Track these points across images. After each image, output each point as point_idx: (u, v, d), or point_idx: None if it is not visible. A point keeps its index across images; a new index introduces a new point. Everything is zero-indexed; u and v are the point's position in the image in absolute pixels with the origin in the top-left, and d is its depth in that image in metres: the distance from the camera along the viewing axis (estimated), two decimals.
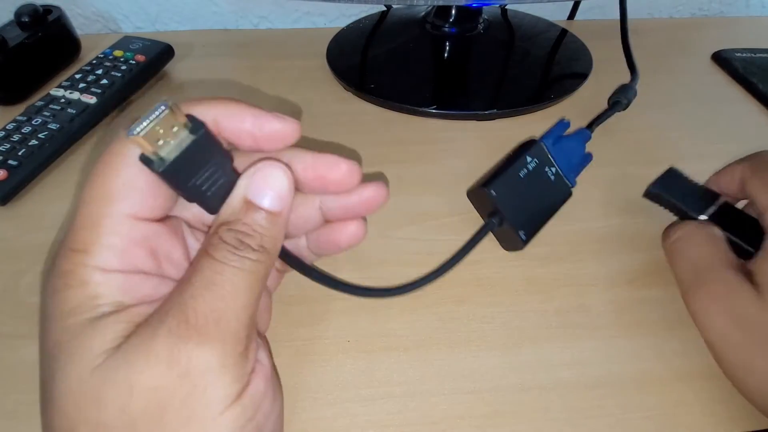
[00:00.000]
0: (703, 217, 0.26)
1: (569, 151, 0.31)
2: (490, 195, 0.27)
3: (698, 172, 0.34)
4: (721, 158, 0.35)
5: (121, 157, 0.16)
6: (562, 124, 0.32)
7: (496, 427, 0.22)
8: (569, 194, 0.30)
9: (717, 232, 0.25)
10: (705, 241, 0.24)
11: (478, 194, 0.29)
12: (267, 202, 0.17)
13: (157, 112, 0.15)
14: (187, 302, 0.15)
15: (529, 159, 0.28)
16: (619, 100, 0.38)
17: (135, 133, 0.15)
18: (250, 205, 0.17)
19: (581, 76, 0.42)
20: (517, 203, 0.27)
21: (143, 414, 0.14)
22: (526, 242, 0.27)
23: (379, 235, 0.30)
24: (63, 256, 0.16)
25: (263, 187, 0.17)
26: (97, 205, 0.16)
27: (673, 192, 0.27)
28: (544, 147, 0.29)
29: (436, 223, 0.31)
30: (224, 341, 0.15)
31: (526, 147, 0.29)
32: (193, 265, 0.16)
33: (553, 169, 0.29)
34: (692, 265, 0.24)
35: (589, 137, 0.33)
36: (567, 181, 0.30)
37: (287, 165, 0.18)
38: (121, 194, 0.16)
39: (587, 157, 0.32)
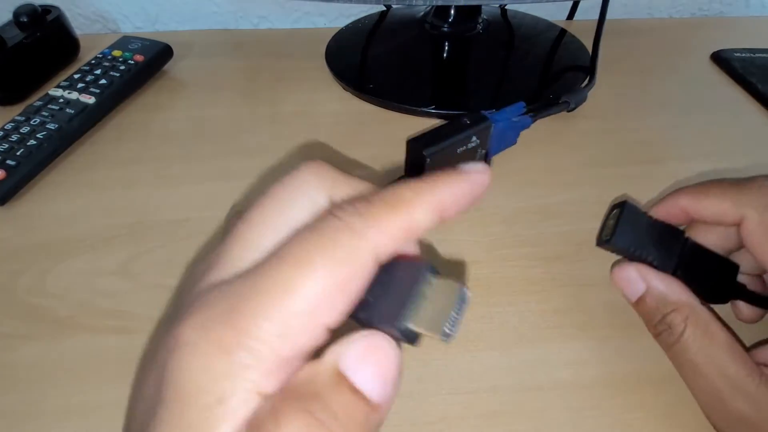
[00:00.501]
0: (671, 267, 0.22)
1: (505, 135, 0.32)
2: (426, 161, 0.28)
3: (698, 171, 0.34)
4: (721, 158, 0.35)
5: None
6: (519, 106, 0.32)
7: (495, 427, 0.22)
8: None
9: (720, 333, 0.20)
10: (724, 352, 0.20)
11: (415, 148, 0.29)
12: (371, 389, 0.12)
13: (463, 305, 0.13)
14: None
15: (473, 139, 0.30)
16: (568, 101, 0.38)
17: (453, 334, 0.13)
18: (341, 378, 0.12)
19: (580, 76, 0.42)
20: (438, 166, 0.29)
21: None
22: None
23: None
24: (207, 342, 0.12)
25: (363, 361, 0.12)
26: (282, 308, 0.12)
27: (638, 241, 0.21)
28: (491, 131, 0.30)
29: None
30: None
31: (475, 122, 0.30)
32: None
33: (483, 152, 0.31)
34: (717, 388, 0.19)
35: (528, 126, 0.33)
36: (486, 162, 0.31)
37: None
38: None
39: (512, 143, 0.33)
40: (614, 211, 0.22)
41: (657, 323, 0.21)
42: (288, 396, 0.12)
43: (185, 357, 0.12)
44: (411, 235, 0.14)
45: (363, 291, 0.13)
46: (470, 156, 0.31)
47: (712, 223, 0.22)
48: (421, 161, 0.28)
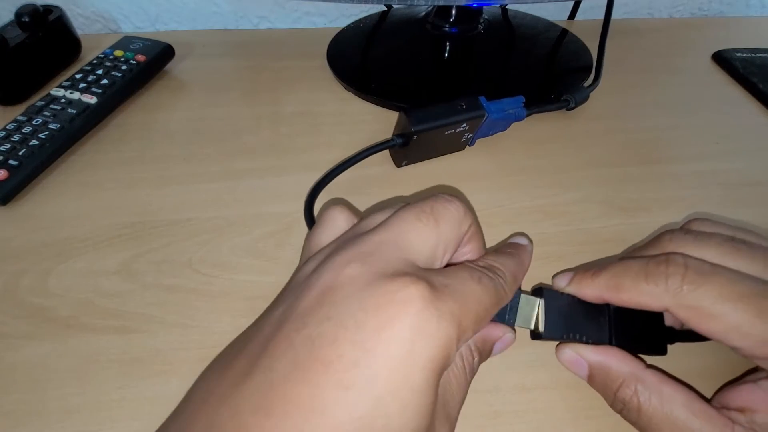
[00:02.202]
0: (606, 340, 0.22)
1: (496, 123, 0.32)
2: (413, 137, 0.29)
3: (698, 172, 0.34)
4: (722, 158, 0.35)
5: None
6: (518, 99, 0.32)
7: (497, 427, 0.22)
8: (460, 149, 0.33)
9: None
10: None
11: (406, 121, 0.30)
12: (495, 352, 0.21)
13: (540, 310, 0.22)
14: None
15: (463, 125, 0.31)
16: (568, 99, 0.38)
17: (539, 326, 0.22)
18: (492, 345, 0.21)
19: (584, 76, 0.42)
20: (423, 147, 0.30)
21: None
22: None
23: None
24: (438, 309, 0.16)
25: (505, 345, 0.22)
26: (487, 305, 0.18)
27: (567, 326, 0.22)
28: (482, 120, 0.30)
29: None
30: None
31: (470, 109, 0.30)
32: None
33: (469, 136, 0.32)
34: None
35: (522, 118, 0.34)
36: (468, 144, 0.32)
37: None
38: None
39: (501, 130, 0.34)
40: (530, 299, 0.22)
41: (612, 402, 0.21)
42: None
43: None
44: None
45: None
46: (456, 138, 0.31)
47: (632, 307, 0.21)
48: (409, 134, 0.29)
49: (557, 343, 0.22)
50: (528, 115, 0.34)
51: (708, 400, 0.20)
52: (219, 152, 0.36)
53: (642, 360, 0.21)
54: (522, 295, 0.22)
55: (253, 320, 0.25)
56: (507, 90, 0.41)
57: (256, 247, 0.29)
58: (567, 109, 0.38)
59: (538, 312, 0.22)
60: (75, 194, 0.33)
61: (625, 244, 0.29)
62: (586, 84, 0.40)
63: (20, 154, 0.33)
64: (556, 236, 0.30)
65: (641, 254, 0.22)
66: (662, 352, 0.22)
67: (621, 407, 0.20)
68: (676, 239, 0.22)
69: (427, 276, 0.17)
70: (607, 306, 0.22)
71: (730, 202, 0.32)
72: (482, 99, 0.31)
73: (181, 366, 0.24)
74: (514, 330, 0.21)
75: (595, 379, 0.21)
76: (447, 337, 0.16)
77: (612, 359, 0.21)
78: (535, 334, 0.22)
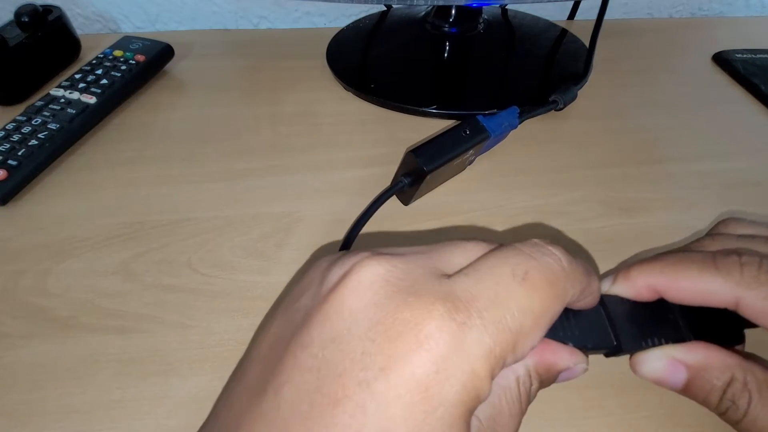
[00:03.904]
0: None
1: (494, 141, 0.33)
2: (427, 177, 0.29)
3: (698, 172, 0.34)
4: (721, 158, 0.35)
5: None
6: (513, 111, 0.33)
7: None
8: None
9: None
10: None
11: (416, 162, 0.29)
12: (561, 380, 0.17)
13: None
14: None
15: (470, 152, 0.31)
16: (557, 100, 0.38)
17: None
18: (557, 375, 0.17)
19: (579, 76, 0.42)
20: (431, 181, 0.30)
21: None
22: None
23: (381, 234, 0.30)
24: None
25: (571, 375, 0.17)
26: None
27: (643, 332, 0.18)
28: (486, 141, 0.31)
29: (438, 223, 0.30)
30: None
31: (474, 134, 0.31)
32: None
33: (473, 158, 0.33)
34: None
35: (515, 127, 0.34)
36: (468, 164, 0.33)
37: None
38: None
39: (498, 142, 0.34)
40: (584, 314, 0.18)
41: (719, 404, 0.17)
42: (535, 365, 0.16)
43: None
44: None
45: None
46: (461, 163, 0.31)
47: (689, 303, 0.19)
48: (421, 174, 0.29)
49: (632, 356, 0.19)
50: (521, 122, 0.34)
51: None
52: (219, 152, 0.36)
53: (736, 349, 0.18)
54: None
55: (252, 320, 0.25)
56: (506, 90, 0.41)
57: (255, 247, 0.29)
58: (556, 110, 0.38)
59: (606, 324, 0.18)
60: (74, 194, 0.33)
61: (625, 244, 0.29)
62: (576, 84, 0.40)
63: (19, 154, 0.33)
64: (555, 236, 0.30)
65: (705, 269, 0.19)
66: (740, 340, 0.19)
67: (728, 406, 0.17)
68: (726, 240, 0.20)
69: (452, 288, 0.14)
70: (668, 303, 0.19)
71: (730, 202, 0.32)
72: (481, 118, 0.31)
73: (180, 366, 0.24)
74: (587, 356, 0.17)
75: (695, 382, 0.18)
76: (473, 375, 0.13)
77: (713, 354, 0.17)
78: (612, 351, 0.18)
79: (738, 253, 0.18)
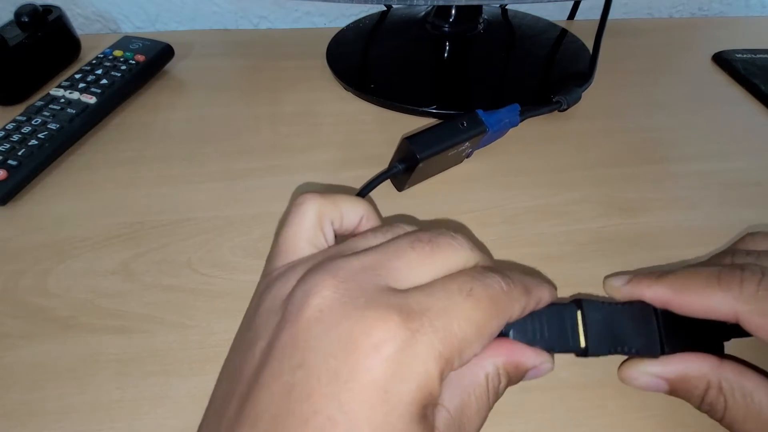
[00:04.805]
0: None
1: (493, 136, 0.33)
2: (418, 165, 0.29)
3: (698, 172, 0.34)
4: (721, 158, 0.35)
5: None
6: (514, 108, 0.33)
7: (496, 426, 0.22)
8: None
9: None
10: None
11: (410, 150, 0.29)
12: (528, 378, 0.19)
13: None
14: None
15: (466, 144, 0.31)
16: (560, 100, 0.38)
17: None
18: (524, 373, 0.19)
19: (581, 77, 0.42)
20: (425, 169, 0.30)
21: None
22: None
23: None
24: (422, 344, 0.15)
25: (539, 373, 0.19)
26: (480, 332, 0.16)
27: (614, 339, 0.19)
28: (483, 136, 0.31)
29: (438, 223, 0.30)
30: None
31: (471, 127, 0.30)
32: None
33: (470, 151, 0.32)
34: None
35: (516, 124, 0.34)
36: (466, 157, 0.33)
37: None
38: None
39: (497, 138, 0.34)
40: (566, 311, 0.20)
41: (700, 406, 0.19)
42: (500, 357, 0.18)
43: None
44: None
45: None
46: (457, 155, 0.31)
47: (695, 315, 0.20)
48: (413, 162, 0.29)
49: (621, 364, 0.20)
50: (521, 120, 0.34)
51: None
52: (219, 152, 0.36)
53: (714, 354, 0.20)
54: (556, 307, 0.19)
55: None
56: (507, 90, 0.41)
57: (255, 247, 0.29)
58: (559, 111, 0.38)
59: (578, 327, 0.19)
60: (74, 194, 0.33)
61: (625, 244, 0.29)
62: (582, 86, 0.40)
63: (19, 154, 0.33)
64: (555, 236, 0.30)
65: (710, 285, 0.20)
66: (719, 351, 0.20)
67: (708, 409, 0.19)
68: (740, 255, 0.21)
69: (405, 301, 0.16)
70: (654, 312, 0.20)
71: (730, 202, 0.32)
72: (480, 113, 0.31)
73: (180, 366, 0.24)
74: (553, 357, 0.19)
75: (677, 391, 0.19)
76: (425, 375, 0.15)
77: (687, 364, 0.19)
78: (579, 352, 0.19)
79: (742, 268, 0.19)
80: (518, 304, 0.18)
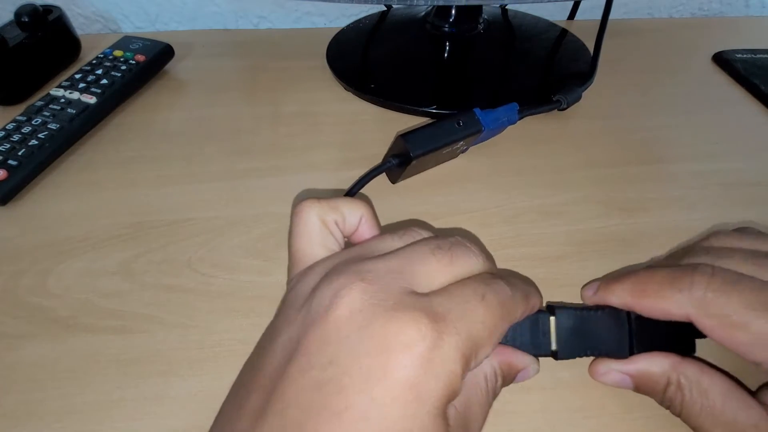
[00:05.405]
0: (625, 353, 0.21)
1: (489, 133, 0.33)
2: (412, 162, 0.29)
3: (698, 172, 0.34)
4: (721, 158, 0.35)
5: None
6: (513, 107, 0.33)
7: (496, 426, 0.22)
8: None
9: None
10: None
11: (403, 146, 0.30)
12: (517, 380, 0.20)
13: None
14: None
15: (460, 143, 0.31)
16: (560, 99, 0.38)
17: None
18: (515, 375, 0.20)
19: (581, 76, 0.42)
20: (420, 165, 0.30)
21: None
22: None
23: None
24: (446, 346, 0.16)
25: (526, 377, 0.20)
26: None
27: (584, 343, 0.21)
28: (479, 135, 0.31)
29: (438, 223, 0.30)
30: None
31: (467, 126, 0.31)
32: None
33: (465, 148, 0.32)
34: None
35: (514, 122, 0.34)
36: (461, 153, 0.33)
37: None
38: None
39: (493, 135, 0.34)
40: (540, 316, 0.21)
41: (661, 401, 0.21)
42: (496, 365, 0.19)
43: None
44: None
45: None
46: (452, 152, 0.31)
47: (656, 317, 0.21)
48: (407, 159, 0.29)
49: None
50: (520, 118, 0.34)
51: (753, 393, 0.20)
52: (219, 152, 0.36)
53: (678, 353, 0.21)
54: (532, 314, 0.21)
55: (252, 320, 0.25)
56: (506, 90, 0.41)
57: (255, 247, 0.29)
58: (559, 110, 0.38)
59: (550, 331, 0.21)
60: (74, 194, 0.33)
61: (625, 244, 0.29)
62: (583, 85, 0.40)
63: (20, 154, 0.33)
64: (555, 236, 0.30)
65: (671, 263, 0.22)
66: (691, 350, 0.21)
67: (669, 404, 0.20)
68: (697, 254, 0.22)
69: (429, 304, 0.16)
70: (627, 315, 0.21)
71: (730, 202, 0.32)
72: (477, 111, 0.31)
73: (180, 366, 0.24)
74: (538, 361, 0.20)
75: (641, 387, 0.21)
76: (452, 374, 0.16)
77: (650, 362, 0.20)
78: (551, 354, 0.21)
79: (693, 269, 0.20)
80: (520, 309, 0.19)
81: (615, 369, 0.21)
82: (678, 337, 0.21)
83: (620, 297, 0.21)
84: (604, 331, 0.21)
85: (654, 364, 0.20)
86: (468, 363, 0.16)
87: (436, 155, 0.30)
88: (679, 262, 0.22)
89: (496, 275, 0.19)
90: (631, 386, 0.21)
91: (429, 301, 0.17)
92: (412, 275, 0.17)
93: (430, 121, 0.37)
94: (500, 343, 0.19)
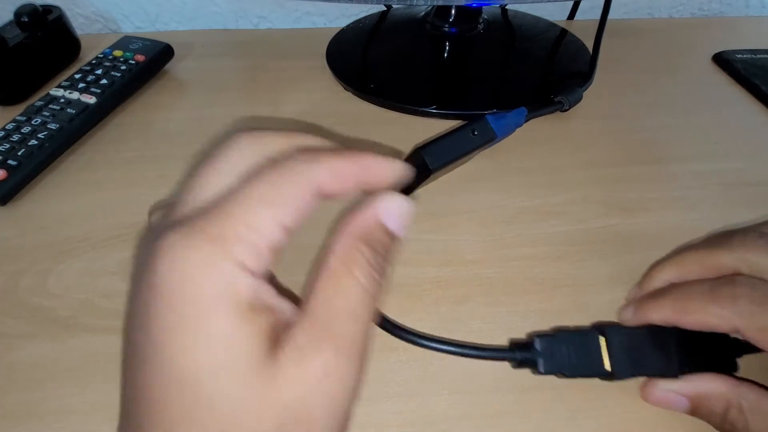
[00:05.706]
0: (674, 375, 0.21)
1: (498, 141, 0.32)
2: (430, 174, 0.28)
3: (698, 172, 0.34)
4: (721, 158, 0.35)
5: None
6: (521, 112, 0.32)
7: (496, 427, 0.22)
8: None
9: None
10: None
11: (422, 159, 0.29)
12: (396, 227, 0.17)
13: None
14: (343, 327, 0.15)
15: (475, 153, 0.30)
16: (562, 101, 0.38)
17: None
18: (382, 226, 0.16)
19: (581, 76, 0.42)
20: (434, 176, 0.30)
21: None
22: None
23: None
24: (191, 237, 0.14)
25: (395, 212, 0.17)
26: (251, 205, 0.15)
27: (637, 362, 0.22)
28: (492, 143, 0.31)
29: (437, 223, 0.30)
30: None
31: (482, 135, 0.30)
32: (333, 282, 0.16)
33: (476, 153, 0.32)
34: None
35: (521, 125, 0.34)
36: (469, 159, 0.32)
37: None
38: (282, 202, 0.15)
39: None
40: (590, 336, 0.22)
41: (721, 425, 0.20)
42: (350, 237, 0.16)
43: (176, 254, 0.14)
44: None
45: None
46: (464, 160, 0.31)
47: (700, 330, 0.21)
48: (427, 172, 0.29)
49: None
50: (525, 121, 0.34)
51: None
52: None
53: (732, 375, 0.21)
54: (580, 334, 0.21)
55: None
56: (507, 90, 0.41)
57: None
58: (561, 111, 0.38)
59: (602, 352, 0.21)
60: (74, 194, 0.33)
61: (625, 244, 0.29)
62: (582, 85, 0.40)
63: (19, 154, 0.33)
64: (555, 236, 0.30)
65: (708, 252, 0.22)
66: (734, 368, 0.22)
67: (730, 428, 0.20)
68: (748, 242, 0.21)
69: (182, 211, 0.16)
70: (671, 332, 0.22)
71: (730, 202, 0.32)
72: (490, 119, 0.31)
73: None
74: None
75: (698, 410, 0.21)
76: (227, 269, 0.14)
77: (709, 385, 0.20)
78: (605, 376, 0.21)
79: (733, 282, 0.20)
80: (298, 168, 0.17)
81: (672, 390, 0.21)
82: (721, 354, 0.22)
83: (663, 314, 0.21)
84: (652, 350, 0.22)
85: (711, 386, 0.20)
86: (233, 244, 0.14)
87: (451, 165, 0.30)
88: (726, 247, 0.22)
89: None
90: (687, 408, 0.21)
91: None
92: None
93: (433, 123, 0.37)
94: (547, 366, 0.21)
